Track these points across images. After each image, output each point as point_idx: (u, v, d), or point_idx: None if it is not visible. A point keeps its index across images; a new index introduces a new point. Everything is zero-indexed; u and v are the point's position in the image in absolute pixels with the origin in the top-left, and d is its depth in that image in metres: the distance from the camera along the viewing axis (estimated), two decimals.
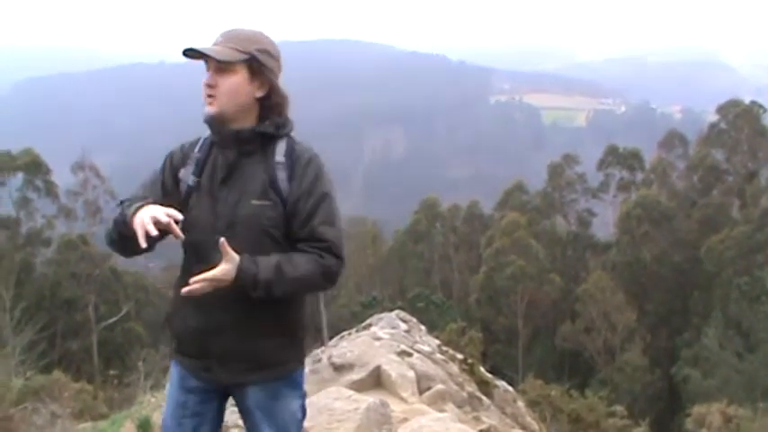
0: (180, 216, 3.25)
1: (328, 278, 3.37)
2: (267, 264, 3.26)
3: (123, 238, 3.39)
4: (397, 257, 59.79)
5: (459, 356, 10.08)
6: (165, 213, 3.21)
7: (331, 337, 10.65)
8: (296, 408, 3.62)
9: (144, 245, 3.24)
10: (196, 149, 3.59)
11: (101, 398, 20.69)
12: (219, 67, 3.38)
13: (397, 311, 11.10)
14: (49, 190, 50.12)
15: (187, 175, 3.54)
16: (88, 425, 11.65)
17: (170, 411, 3.74)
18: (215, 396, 3.65)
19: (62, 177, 52.95)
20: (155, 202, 3.38)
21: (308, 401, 3.90)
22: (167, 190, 3.58)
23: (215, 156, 3.54)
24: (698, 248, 52.24)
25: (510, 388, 10.38)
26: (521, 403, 10.27)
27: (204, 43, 3.46)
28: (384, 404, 6.44)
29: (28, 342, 27.46)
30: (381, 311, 12.89)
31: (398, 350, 8.42)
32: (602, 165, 60.30)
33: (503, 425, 8.41)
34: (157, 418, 7.61)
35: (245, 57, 3.40)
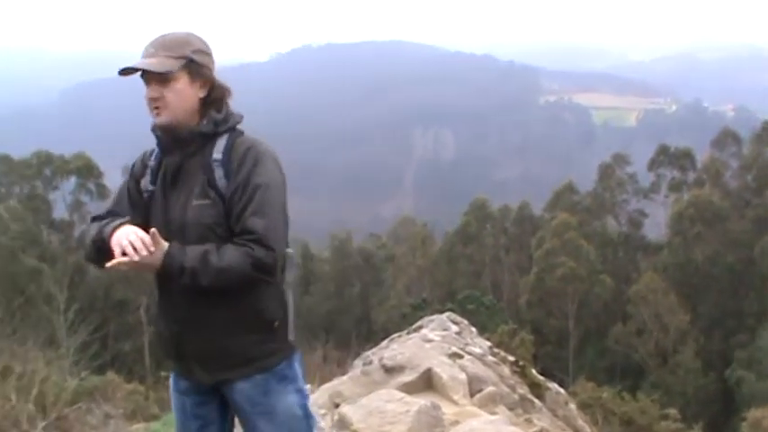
0: (147, 239, 3.26)
1: (259, 269, 3.28)
2: (194, 252, 3.24)
3: (101, 255, 3.42)
4: (446, 259, 59.74)
5: (511, 358, 10.01)
6: (140, 239, 3.24)
7: (382, 339, 10.64)
8: (292, 403, 3.57)
9: (122, 261, 3.25)
10: (151, 159, 3.60)
11: (152, 399, 20.87)
12: (160, 78, 3.35)
13: (447, 313, 11.07)
14: (101, 193, 50.79)
15: (146, 184, 3.58)
16: (140, 425, 11.75)
17: (176, 416, 3.79)
18: (213, 398, 3.64)
19: (114, 180, 53.57)
20: (129, 222, 3.44)
21: (359, 403, 3.87)
22: (133, 200, 3.63)
23: (165, 162, 3.54)
24: (752, 249, 51.63)
25: (562, 390, 10.30)
26: (572, 406, 10.19)
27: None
28: (435, 406, 6.42)
29: (81, 343, 27.74)
30: (431, 313, 12.87)
31: (449, 352, 8.38)
32: (653, 165, 59.78)
33: (554, 427, 8.35)
34: None
35: (183, 62, 3.37)
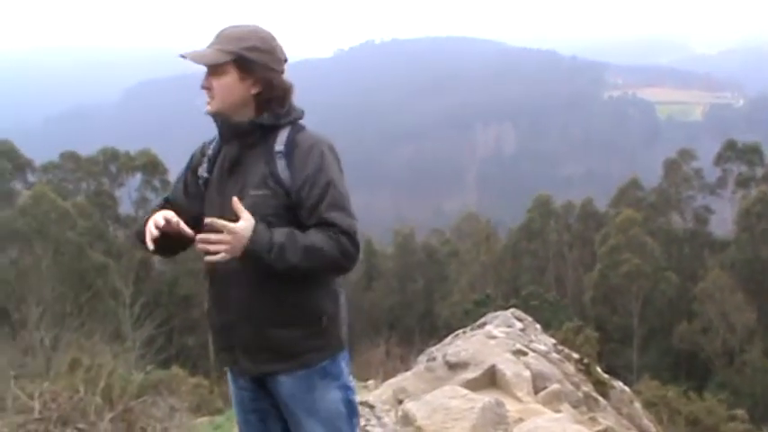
0: (174, 218, 3.37)
1: (346, 257, 3.29)
2: (280, 230, 3.26)
3: (143, 242, 3.51)
4: (510, 255, 59.53)
5: (575, 356, 9.95)
6: (163, 217, 3.38)
7: (445, 335, 10.62)
8: (336, 400, 3.56)
9: (151, 246, 3.38)
10: (210, 147, 3.68)
11: (216, 393, 21.09)
12: (212, 69, 3.43)
13: (512, 310, 11.02)
14: (166, 189, 51.14)
15: (202, 172, 3.65)
16: (205, 419, 11.88)
17: (236, 410, 3.83)
18: (266, 391, 3.65)
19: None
20: (172, 208, 3.54)
21: (423, 399, 3.85)
22: (189, 189, 3.70)
23: (224, 151, 3.60)
24: None
25: (627, 389, 10.21)
26: (637, 404, 10.09)
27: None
28: (500, 404, 6.40)
29: (147, 337, 28.12)
30: (494, 310, 12.82)
31: (514, 349, 8.35)
32: (719, 160, 58.91)
33: (619, 426, 8.28)
34: None
35: (231, 57, 3.41)
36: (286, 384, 3.52)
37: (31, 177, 54.47)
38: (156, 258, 51.26)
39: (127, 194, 54.43)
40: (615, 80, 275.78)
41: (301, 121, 3.59)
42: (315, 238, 3.26)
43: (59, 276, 42.57)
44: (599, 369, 10.19)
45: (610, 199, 61.52)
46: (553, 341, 10.43)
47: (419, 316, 58.33)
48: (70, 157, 55.35)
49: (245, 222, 3.21)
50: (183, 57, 3.44)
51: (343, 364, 3.63)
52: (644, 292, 50.94)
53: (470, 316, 31.77)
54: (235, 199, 3.25)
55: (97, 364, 11.26)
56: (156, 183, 53.22)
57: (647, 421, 9.76)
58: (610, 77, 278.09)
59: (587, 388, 8.73)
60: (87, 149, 57.05)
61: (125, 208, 54.56)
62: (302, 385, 3.51)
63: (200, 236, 3.22)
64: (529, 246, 58.97)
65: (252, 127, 3.47)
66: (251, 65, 3.43)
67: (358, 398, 3.80)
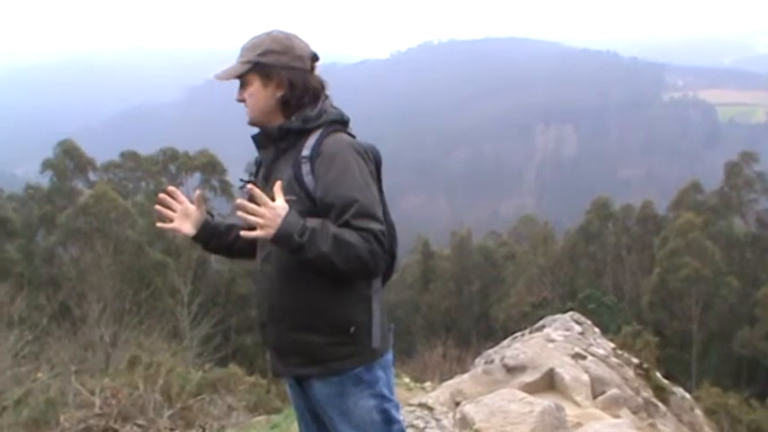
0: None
1: (374, 256, 3.25)
2: (313, 219, 3.26)
3: (210, 248, 3.90)
4: (568, 258, 59.14)
5: (635, 361, 9.83)
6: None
7: (502, 338, 10.57)
8: (370, 408, 3.52)
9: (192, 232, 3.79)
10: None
11: (274, 392, 21.16)
12: (241, 83, 3.54)
13: (571, 313, 10.91)
14: (225, 189, 51.84)
15: (244, 179, 3.75)
16: (262, 418, 11.92)
17: (294, 409, 3.89)
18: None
19: (237, 177, 54.78)
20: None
21: (482, 402, 3.81)
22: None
23: (262, 158, 3.68)
24: None
25: (687, 395, 10.07)
26: (698, 411, 9.95)
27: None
28: (559, 408, 6.34)
29: (204, 335, 28.39)
30: (552, 312, 12.73)
31: (572, 353, 8.28)
32: None
33: None
34: None
35: (250, 66, 3.49)
36: (319, 389, 3.53)
37: (92, 176, 55.17)
38: (214, 258, 51.84)
39: (186, 194, 54.97)
40: (676, 81, 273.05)
41: (347, 123, 3.62)
42: (346, 233, 3.24)
43: (119, 274, 43.07)
44: (658, 374, 10.07)
45: (669, 202, 60.86)
46: (612, 345, 10.31)
47: (475, 318, 58.23)
48: (131, 156, 56.01)
49: (282, 202, 3.23)
50: (216, 78, 3.54)
51: (380, 372, 3.58)
52: (704, 297, 50.29)
53: (527, 319, 31.65)
54: (278, 182, 3.29)
55: (156, 362, 11.38)
56: (215, 183, 53.64)
57: (708, 429, 9.62)
58: (670, 79, 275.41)
59: (647, 393, 8.63)
60: (148, 149, 57.72)
61: None
62: (334, 391, 3.51)
63: (239, 201, 3.24)
64: (587, 249, 58.55)
65: (280, 132, 3.51)
66: (269, 69, 3.48)
67: (400, 408, 3.75)
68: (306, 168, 3.40)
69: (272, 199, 3.22)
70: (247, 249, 3.75)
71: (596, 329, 10.56)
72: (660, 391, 9.19)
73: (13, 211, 50.63)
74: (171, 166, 55.14)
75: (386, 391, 3.60)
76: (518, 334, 10.09)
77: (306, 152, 3.42)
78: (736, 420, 17.44)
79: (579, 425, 6.49)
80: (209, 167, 53.77)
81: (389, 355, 3.66)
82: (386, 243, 3.31)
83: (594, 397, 7.52)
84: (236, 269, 48.58)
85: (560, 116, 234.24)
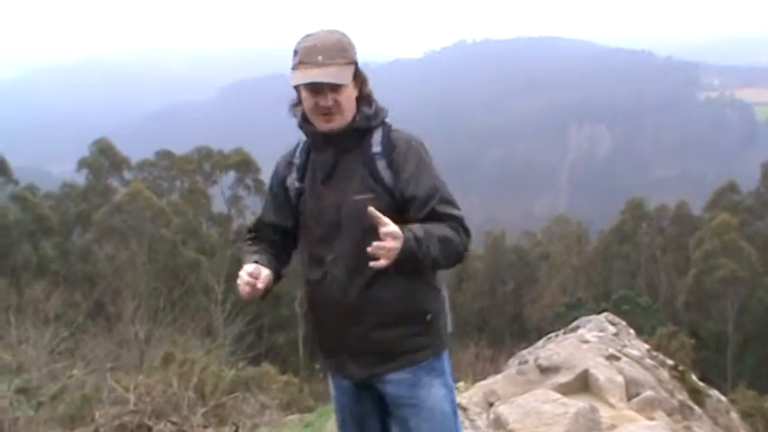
0: (262, 275, 3.48)
1: (465, 245, 3.35)
2: (413, 225, 3.26)
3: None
4: (601, 258, 58.83)
5: (670, 362, 9.75)
6: (247, 273, 3.48)
7: (535, 338, 10.54)
8: (440, 397, 3.57)
9: (246, 298, 3.51)
10: (296, 156, 3.67)
11: (307, 391, 21.23)
12: (334, 86, 3.37)
13: (605, 314, 10.86)
14: (258, 188, 51.95)
15: (293, 182, 3.63)
16: (295, 416, 11.97)
17: (336, 414, 3.86)
18: (368, 393, 3.66)
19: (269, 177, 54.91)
20: (263, 229, 3.79)
21: (515, 403, 3.84)
22: (279, 202, 3.72)
23: (314, 158, 3.58)
24: None
25: (723, 398, 9.98)
26: (734, 415, 9.86)
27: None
28: (594, 409, 6.30)
29: (237, 334, 28.48)
30: (586, 313, 12.69)
31: (607, 354, 8.23)
32: None
33: None
34: None
35: (354, 67, 3.43)
36: (393, 383, 3.53)
37: (127, 175, 55.57)
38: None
39: (220, 192, 55.16)
40: (712, 81, 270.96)
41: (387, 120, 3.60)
42: (442, 229, 3.28)
43: (153, 272, 43.33)
44: (694, 377, 9.99)
45: (705, 202, 60.37)
46: (647, 347, 10.25)
47: (509, 318, 58.06)
48: (165, 155, 56.31)
49: (395, 227, 3.20)
50: (312, 83, 3.37)
51: (447, 362, 3.66)
52: (740, 299, 49.82)
53: (561, 319, 31.51)
54: (371, 209, 3.22)
55: (190, 360, 11.45)
56: (249, 181, 53.81)
57: None
58: (706, 78, 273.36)
59: (682, 396, 8.56)
60: (182, 148, 58.02)
61: (218, 206, 55.32)
62: (408, 382, 3.52)
63: (376, 244, 3.18)
64: (621, 249, 58.17)
65: (346, 132, 3.46)
66: (358, 69, 3.47)
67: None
68: (381, 164, 3.42)
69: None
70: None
71: (631, 330, 10.50)
72: (695, 394, 9.12)
73: (50, 209, 51.09)
74: (205, 164, 55.32)
75: (452, 382, 3.68)
76: (552, 334, 10.06)
77: (377, 149, 3.46)
78: None
79: (614, 427, 6.46)
80: (244, 166, 53.91)
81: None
82: (468, 227, 3.39)
83: (629, 399, 7.47)
84: None
85: (594, 115, 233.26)
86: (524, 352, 8.78)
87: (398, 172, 3.39)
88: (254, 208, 51.29)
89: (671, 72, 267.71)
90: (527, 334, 41.74)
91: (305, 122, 3.53)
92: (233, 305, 32.82)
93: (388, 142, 3.45)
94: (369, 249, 3.16)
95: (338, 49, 3.40)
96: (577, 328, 9.97)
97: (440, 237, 3.24)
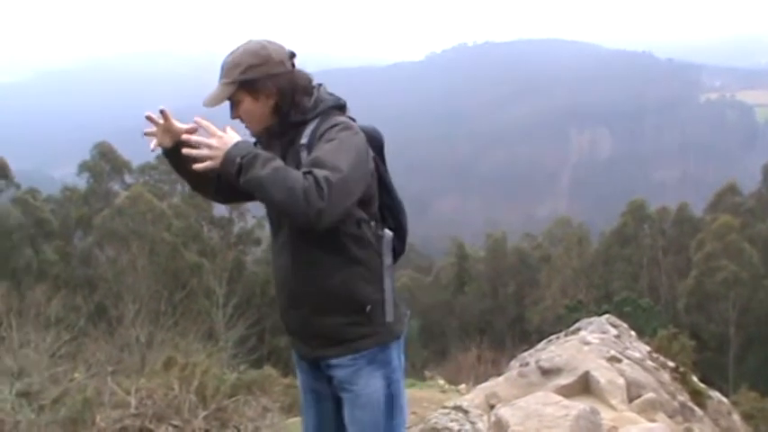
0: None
1: (307, 196, 3.10)
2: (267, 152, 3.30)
3: (181, 171, 3.77)
4: (603, 260, 58.88)
5: (671, 364, 9.75)
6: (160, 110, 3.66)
7: (536, 340, 10.53)
8: (377, 388, 3.62)
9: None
10: None
11: None
12: (231, 102, 3.54)
13: (606, 316, 10.86)
14: None
15: None
16: (297, 419, 11.96)
17: (300, 390, 3.98)
18: (323, 374, 3.73)
19: None
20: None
21: (516, 405, 3.85)
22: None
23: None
24: None
25: (724, 399, 9.98)
26: (736, 416, 9.85)
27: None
28: (594, 411, 6.29)
29: (239, 337, 28.46)
30: (587, 315, 12.69)
31: (608, 356, 8.22)
32: None
33: None
34: None
35: (235, 88, 3.49)
36: (337, 369, 3.62)
37: (128, 178, 55.64)
38: (249, 259, 52.07)
39: None
40: (712, 82, 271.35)
41: (344, 107, 3.66)
42: (289, 169, 3.21)
43: (155, 275, 43.35)
44: (695, 378, 9.99)
45: (706, 204, 60.44)
46: (648, 348, 10.25)
47: (510, 320, 58.10)
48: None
49: (233, 133, 3.32)
50: (205, 105, 3.53)
51: (394, 353, 3.69)
52: (741, 300, 49.82)
53: (562, 321, 31.49)
54: (197, 119, 3.42)
55: (191, 363, 11.44)
56: None
57: None
58: (707, 80, 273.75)
59: (683, 397, 8.56)
60: None
61: (219, 209, 55.36)
62: (349, 370, 3.59)
63: (185, 136, 3.42)
64: (622, 251, 58.22)
65: (281, 127, 3.56)
66: (254, 84, 3.48)
67: (401, 396, 3.77)
68: (304, 155, 3.44)
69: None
70: (208, 184, 3.83)
71: (632, 333, 10.50)
72: (697, 396, 9.12)
73: (51, 213, 51.14)
74: None
75: (396, 376, 3.70)
76: (553, 337, 10.05)
77: (304, 140, 3.49)
78: None
79: (615, 429, 6.45)
80: None
81: (402, 340, 3.75)
82: (329, 191, 3.15)
83: (630, 400, 7.47)
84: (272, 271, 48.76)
85: (595, 118, 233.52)
86: (525, 354, 8.78)
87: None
88: (254, 211, 51.33)
89: (672, 74, 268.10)
90: (528, 336, 41.72)
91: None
92: (235, 308, 32.86)
93: (315, 132, 3.47)
94: (185, 150, 3.38)
95: (229, 68, 3.50)
96: (579, 330, 9.96)
97: (277, 166, 3.18)
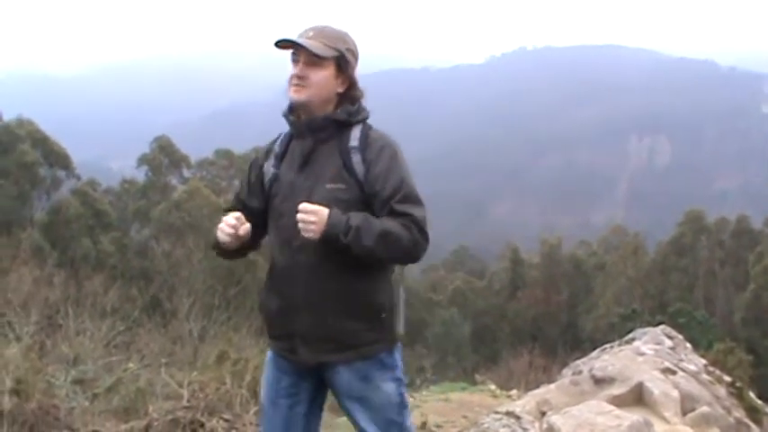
0: (237, 222, 3.62)
1: (416, 244, 3.45)
2: (357, 214, 3.44)
3: (224, 252, 3.83)
4: (658, 270, 58.27)
5: (727, 379, 9.61)
6: (234, 217, 3.63)
7: (589, 349, 10.45)
8: (390, 391, 3.69)
9: (226, 239, 3.64)
10: (276, 144, 3.87)
11: None
12: (311, 60, 3.59)
13: (662, 327, 10.74)
14: None
15: (269, 168, 3.83)
16: (344, 419, 11.98)
17: (265, 392, 3.94)
18: (308, 377, 3.78)
19: None
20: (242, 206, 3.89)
21: (569, 413, 3.86)
22: (252, 187, 3.90)
23: (293, 147, 3.76)
24: None
25: None
26: None
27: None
28: (648, 423, 6.23)
29: None
30: (641, 325, 12.57)
31: (662, 367, 8.13)
32: None
33: None
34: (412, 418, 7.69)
35: (336, 54, 3.61)
36: (343, 374, 3.67)
37: (186, 173, 56.08)
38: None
39: None
40: None
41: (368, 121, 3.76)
42: (389, 224, 3.42)
43: (209, 270, 43.62)
44: (752, 394, 9.84)
45: (766, 217, 59.58)
46: (704, 362, 10.12)
47: (563, 327, 57.74)
48: (224, 154, 56.76)
49: (323, 207, 3.41)
50: (288, 41, 3.60)
51: (398, 356, 3.78)
52: None
53: (616, 330, 31.26)
54: (304, 204, 3.44)
55: (244, 358, 11.48)
56: None
57: None
58: None
59: (739, 414, 8.43)
60: (241, 147, 58.41)
61: None
62: (359, 375, 3.66)
63: (301, 210, 3.42)
64: (678, 261, 57.59)
65: (326, 122, 3.65)
66: (346, 65, 3.65)
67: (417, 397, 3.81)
68: (356, 158, 3.58)
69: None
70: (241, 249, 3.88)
71: (688, 345, 10.37)
72: (753, 412, 8.98)
73: (109, 205, 51.71)
74: None
75: (402, 376, 3.79)
76: (607, 345, 9.97)
77: (354, 143, 3.62)
78: None
79: None
80: None
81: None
82: (428, 230, 3.48)
83: (684, 414, 7.38)
84: None
85: (655, 125, 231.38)
86: (578, 362, 8.71)
87: (370, 167, 3.55)
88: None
89: (734, 83, 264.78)
90: (580, 344, 41.46)
91: (289, 112, 3.73)
92: None
93: (366, 139, 3.62)
94: (297, 217, 3.42)
95: (331, 35, 3.64)
96: (633, 339, 9.87)
97: (381, 230, 3.38)
